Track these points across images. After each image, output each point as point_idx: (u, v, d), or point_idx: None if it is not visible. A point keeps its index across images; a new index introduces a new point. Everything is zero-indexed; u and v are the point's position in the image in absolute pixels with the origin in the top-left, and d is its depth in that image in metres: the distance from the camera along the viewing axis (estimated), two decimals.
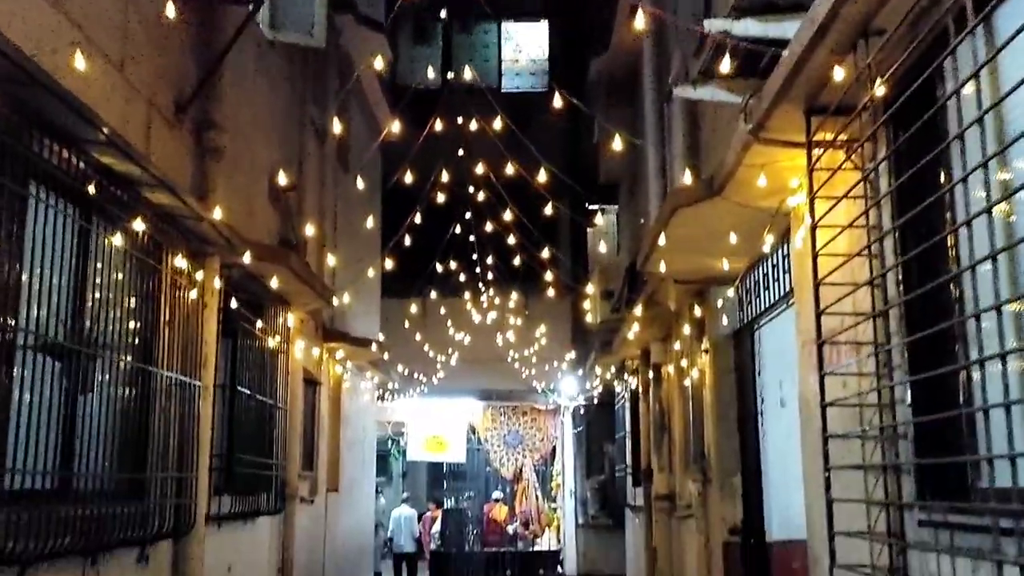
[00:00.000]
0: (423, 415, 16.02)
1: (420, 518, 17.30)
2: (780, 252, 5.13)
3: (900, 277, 3.11)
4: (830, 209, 3.39)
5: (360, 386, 11.47)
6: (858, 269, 3.50)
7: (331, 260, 8.64)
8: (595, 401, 14.21)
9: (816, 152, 3.44)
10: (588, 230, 15.59)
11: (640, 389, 9.80)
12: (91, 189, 4.04)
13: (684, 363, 7.38)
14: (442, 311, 12.39)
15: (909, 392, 3.08)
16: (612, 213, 13.58)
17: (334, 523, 9.78)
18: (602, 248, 14.49)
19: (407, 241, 8.42)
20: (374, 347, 9.66)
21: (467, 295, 11.28)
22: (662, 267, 5.54)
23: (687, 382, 7.25)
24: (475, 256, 11.06)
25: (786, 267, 5.10)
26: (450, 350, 12.87)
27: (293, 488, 7.73)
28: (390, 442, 18.55)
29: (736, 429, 6.31)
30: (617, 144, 7.75)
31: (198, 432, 5.37)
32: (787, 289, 5.14)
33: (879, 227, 3.19)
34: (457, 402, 15.80)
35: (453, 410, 15.94)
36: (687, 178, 5.17)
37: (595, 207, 14.98)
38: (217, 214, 5.10)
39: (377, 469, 26.26)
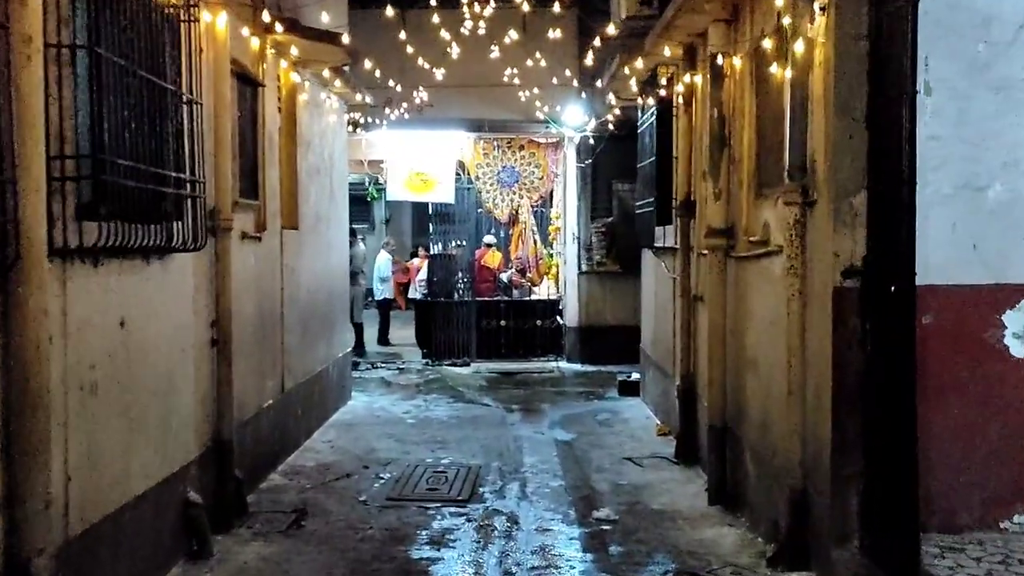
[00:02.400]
0: (404, 149, 13.86)
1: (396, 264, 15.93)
2: None
3: None
4: None
5: (325, 103, 9.23)
6: None
7: None
8: (608, 130, 12.03)
9: None
10: None
11: (680, 100, 7.62)
12: None
13: (768, 44, 5.16)
14: (425, 23, 9.92)
15: None
16: None
17: (295, 267, 7.92)
18: None
19: None
20: (330, 25, 7.27)
21: (456, 5, 8.84)
22: None
23: (774, 68, 5.08)
24: None
25: None
26: (434, 69, 10.48)
27: (226, 218, 5.73)
28: (367, 180, 16.49)
29: (864, 126, 4.23)
30: None
31: (18, 110, 3.24)
32: None
33: None
34: (443, 134, 13.61)
35: (439, 143, 13.77)
36: None
37: None
38: None
39: (358, 215, 24.51)
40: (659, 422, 8.98)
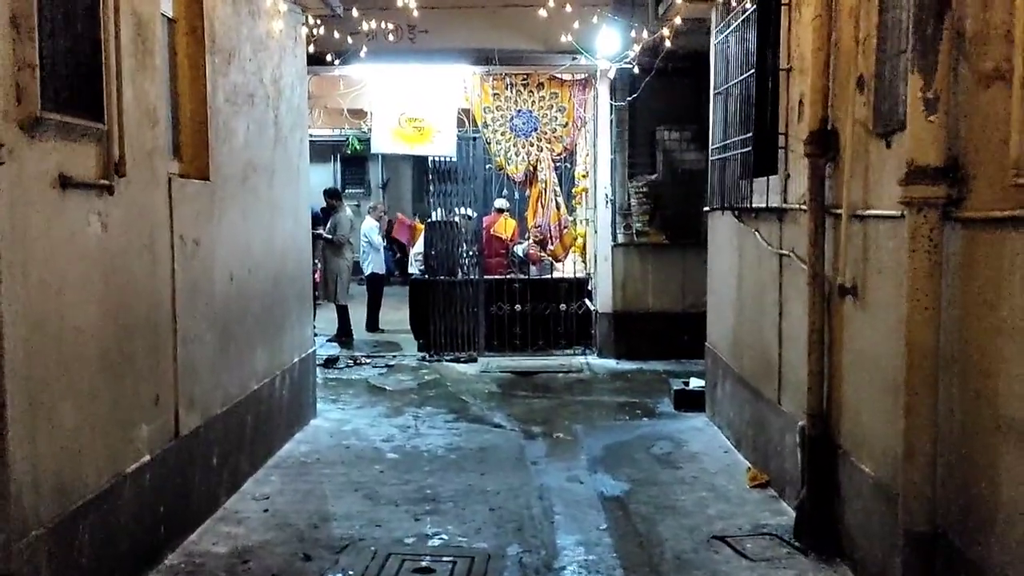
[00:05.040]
0: (393, 89, 11.01)
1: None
2: None
3: None
4: None
5: (262, 2, 6.35)
6: None
7: None
8: (658, 60, 9.16)
9: None
10: None
11: None
12: None
13: None
14: None
15: None
16: None
17: (203, 239, 5.11)
18: None
19: None
20: None
21: None
22: None
23: None
24: None
25: None
26: None
27: None
28: (348, 135, 13.55)
29: None
30: None
31: None
32: None
33: None
34: (442, 70, 10.75)
35: (437, 81, 10.92)
36: None
37: None
38: None
39: (350, 177, 21.79)
40: (748, 463, 6.22)
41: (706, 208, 7.54)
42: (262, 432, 6.22)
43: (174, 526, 4.68)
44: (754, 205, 5.88)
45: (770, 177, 5.58)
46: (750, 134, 5.74)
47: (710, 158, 7.03)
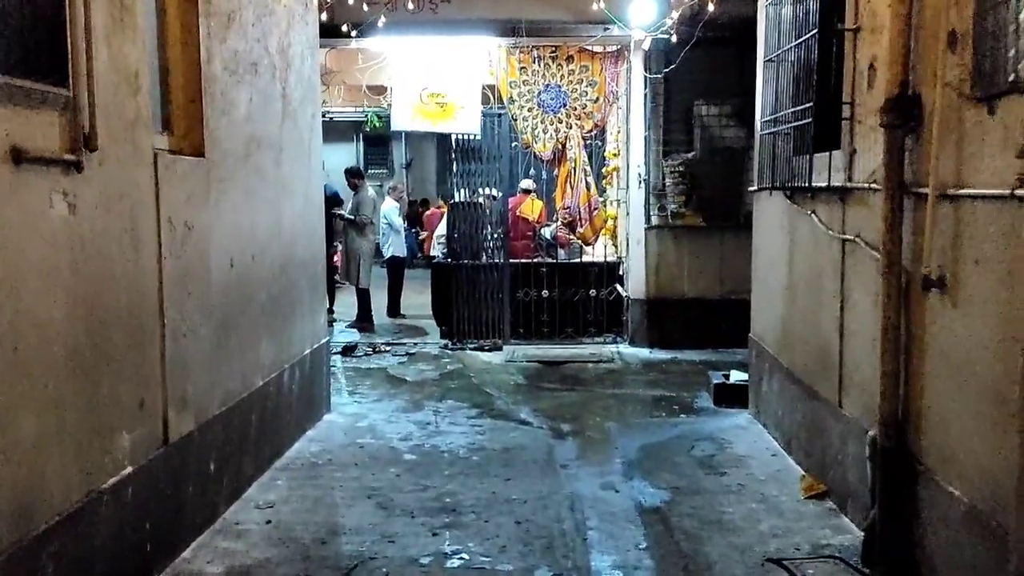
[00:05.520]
0: (414, 62, 10.44)
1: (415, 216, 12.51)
2: None
3: None
4: None
5: None
6: None
7: None
8: (697, 29, 8.53)
9: None
10: None
11: None
12: None
13: None
14: None
15: None
16: None
17: (197, 223, 4.58)
18: None
19: None
20: None
21: None
22: None
23: None
24: None
25: None
26: None
27: None
28: (365, 106, 12.94)
29: None
30: None
31: None
32: None
33: None
34: (466, 42, 10.16)
35: (460, 55, 10.33)
36: None
37: None
38: None
39: (373, 157, 21.30)
40: (801, 469, 5.63)
41: (752, 188, 6.94)
42: (268, 431, 5.72)
43: (163, 543, 4.18)
44: (815, 184, 5.25)
45: (832, 152, 4.96)
46: (810, 104, 5.10)
47: (758, 133, 6.40)
